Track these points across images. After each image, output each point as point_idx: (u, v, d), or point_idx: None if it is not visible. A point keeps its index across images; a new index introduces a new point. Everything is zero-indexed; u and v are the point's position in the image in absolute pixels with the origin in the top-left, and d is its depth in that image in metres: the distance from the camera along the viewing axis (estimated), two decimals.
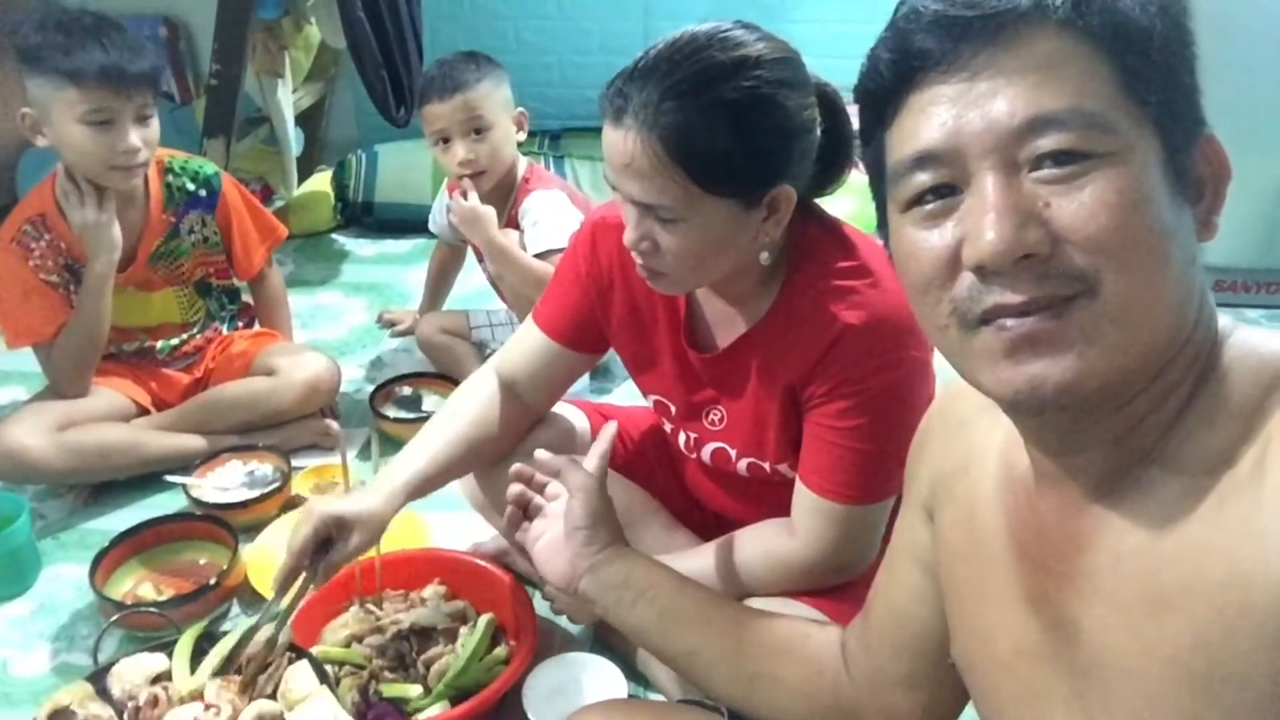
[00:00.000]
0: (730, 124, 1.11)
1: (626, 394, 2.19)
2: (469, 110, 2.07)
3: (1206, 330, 0.66)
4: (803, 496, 1.29)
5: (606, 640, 1.57)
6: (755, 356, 1.30)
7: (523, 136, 2.20)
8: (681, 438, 1.46)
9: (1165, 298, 0.62)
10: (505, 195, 2.20)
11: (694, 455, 1.46)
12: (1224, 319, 0.67)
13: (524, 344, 1.47)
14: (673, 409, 1.44)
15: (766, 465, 1.36)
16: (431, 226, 2.50)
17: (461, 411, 1.45)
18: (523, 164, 2.23)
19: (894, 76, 0.68)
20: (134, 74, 1.79)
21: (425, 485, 1.38)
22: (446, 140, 2.11)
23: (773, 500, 1.37)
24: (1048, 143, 0.61)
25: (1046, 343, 0.62)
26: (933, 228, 0.66)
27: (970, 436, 0.83)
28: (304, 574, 1.28)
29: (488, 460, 1.49)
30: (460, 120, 2.08)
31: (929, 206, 0.66)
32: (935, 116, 0.64)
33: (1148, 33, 0.62)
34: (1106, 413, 0.66)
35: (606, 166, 1.19)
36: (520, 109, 2.19)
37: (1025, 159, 0.62)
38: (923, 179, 0.66)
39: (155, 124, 1.88)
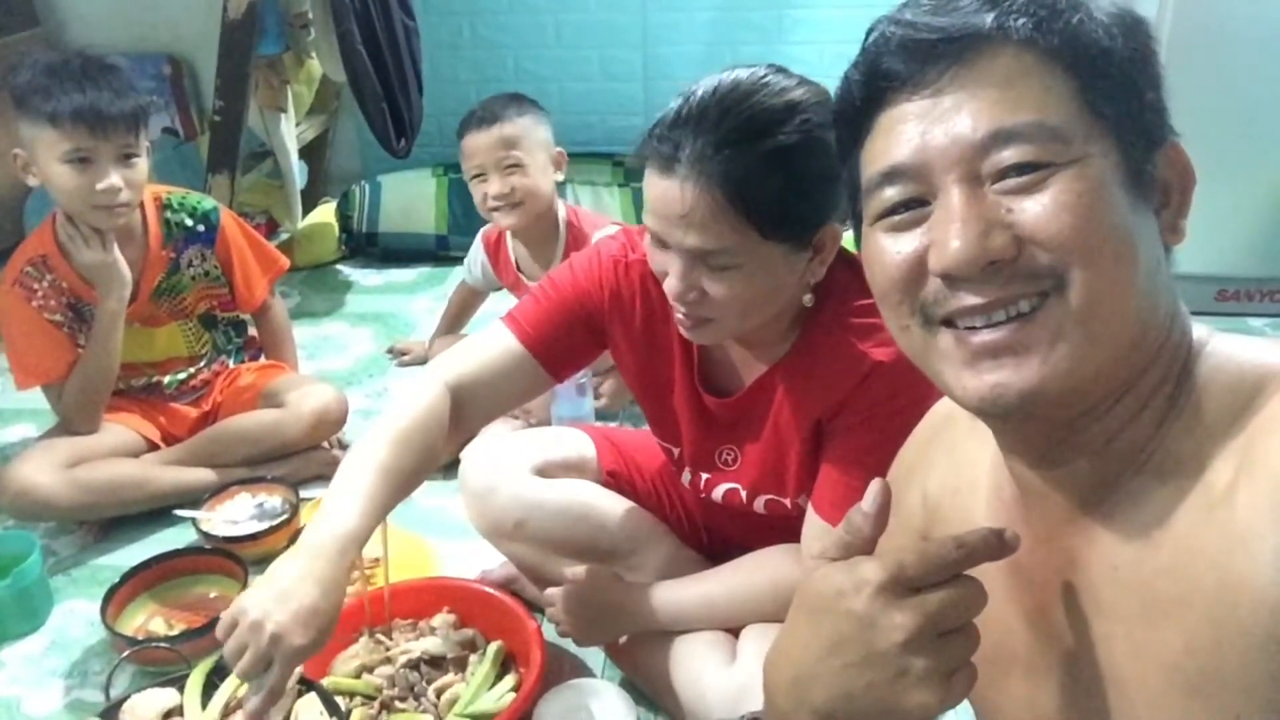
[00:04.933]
0: (786, 169, 1.12)
1: (632, 416, 2.19)
2: (506, 145, 2.11)
3: (1181, 339, 0.67)
4: (815, 524, 1.29)
5: (617, 666, 1.57)
6: (777, 394, 1.30)
7: (560, 176, 2.22)
8: (686, 476, 1.45)
9: (1132, 297, 0.64)
10: (549, 237, 2.23)
11: (704, 495, 1.45)
12: (1199, 328, 0.68)
13: (488, 351, 1.38)
14: (678, 453, 1.43)
15: (786, 501, 1.36)
16: (467, 278, 2.50)
17: (401, 441, 1.27)
18: (561, 207, 2.25)
19: (864, 97, 0.70)
20: (112, 115, 1.82)
21: (363, 538, 1.20)
22: (483, 175, 2.14)
23: (789, 539, 1.36)
24: (1010, 155, 0.63)
25: (1009, 350, 0.64)
26: (901, 236, 0.68)
27: (957, 458, 0.84)
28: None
29: (419, 484, 1.34)
30: (497, 156, 2.11)
31: (898, 217, 0.68)
32: (903, 134, 0.67)
33: (1109, 53, 0.64)
34: (1086, 423, 0.67)
35: (653, 217, 1.17)
36: (559, 149, 2.21)
37: (989, 172, 0.64)
38: (892, 193, 0.68)
39: (141, 164, 1.90)
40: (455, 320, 2.59)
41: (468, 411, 1.36)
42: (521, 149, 2.12)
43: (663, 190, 1.15)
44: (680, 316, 1.23)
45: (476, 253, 2.42)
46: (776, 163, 1.11)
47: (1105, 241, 0.62)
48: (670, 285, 1.19)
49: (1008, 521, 0.75)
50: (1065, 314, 0.63)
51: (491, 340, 1.39)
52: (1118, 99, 0.64)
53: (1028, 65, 0.64)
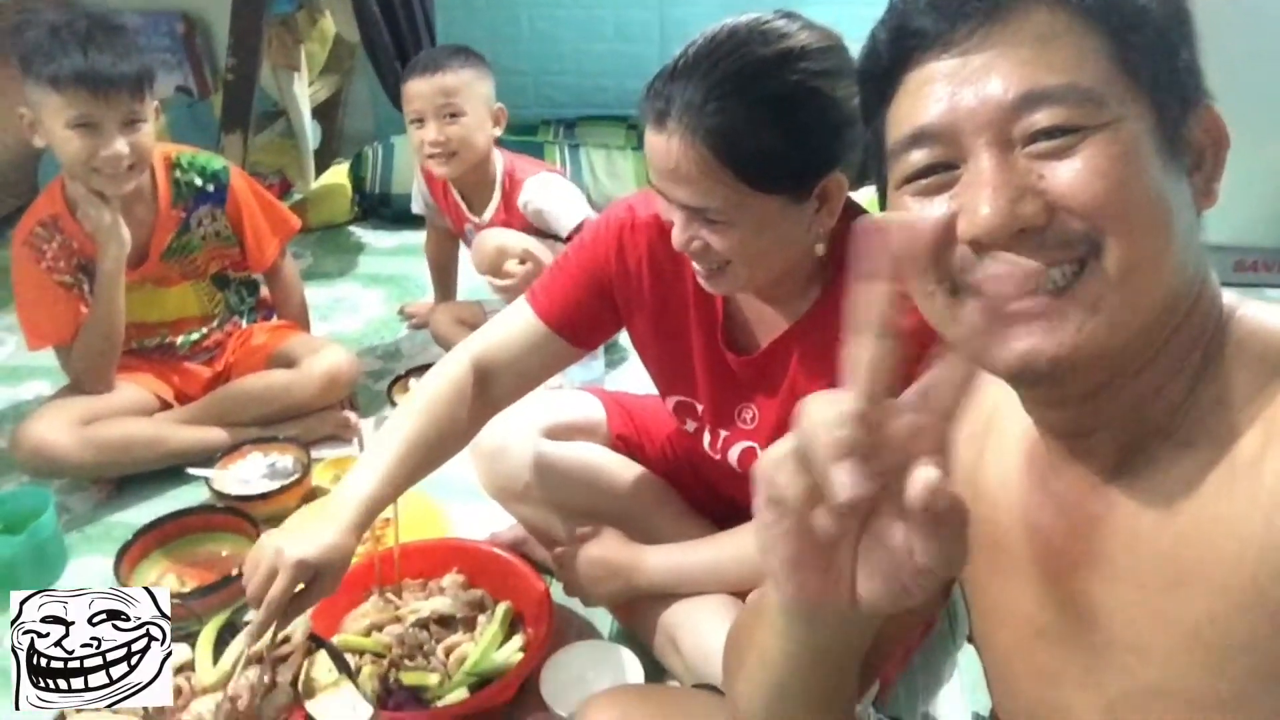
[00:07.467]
0: (777, 121, 1.09)
1: (637, 371, 2.19)
2: (446, 93, 2.15)
3: (1211, 305, 0.66)
4: None
5: (625, 627, 1.58)
6: (795, 354, 1.29)
7: (499, 132, 2.26)
8: (707, 438, 1.45)
9: (1168, 262, 0.62)
10: (487, 188, 2.28)
11: (720, 457, 1.45)
12: (1228, 295, 0.67)
13: (512, 328, 1.41)
14: (701, 410, 1.43)
15: None
16: (414, 208, 2.55)
17: (425, 411, 1.34)
18: (500, 158, 2.29)
19: (891, 56, 0.68)
20: (114, 79, 1.79)
21: (383, 504, 1.30)
22: (421, 121, 2.18)
23: None
24: (1042, 118, 0.61)
25: (1043, 316, 0.62)
26: (928, 200, 0.66)
27: (989, 412, 0.80)
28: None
29: (448, 458, 1.41)
30: (437, 103, 2.15)
31: (925, 181, 0.66)
32: (931, 94, 0.65)
33: (1144, 12, 0.62)
34: (1115, 389, 0.65)
35: (651, 171, 1.17)
36: (500, 105, 2.24)
37: (1020, 135, 0.62)
38: (919, 156, 0.66)
39: (147, 129, 1.88)
40: (442, 277, 2.60)
41: (494, 386, 1.40)
42: (461, 98, 2.15)
43: (654, 145, 1.14)
44: (695, 266, 1.23)
45: (418, 183, 2.47)
46: (765, 115, 1.09)
47: (1140, 207, 0.61)
48: (674, 236, 1.19)
49: (1032, 486, 0.74)
50: (1104, 284, 0.61)
51: (514, 316, 1.42)
52: (1153, 60, 0.62)
53: (1061, 24, 0.62)
